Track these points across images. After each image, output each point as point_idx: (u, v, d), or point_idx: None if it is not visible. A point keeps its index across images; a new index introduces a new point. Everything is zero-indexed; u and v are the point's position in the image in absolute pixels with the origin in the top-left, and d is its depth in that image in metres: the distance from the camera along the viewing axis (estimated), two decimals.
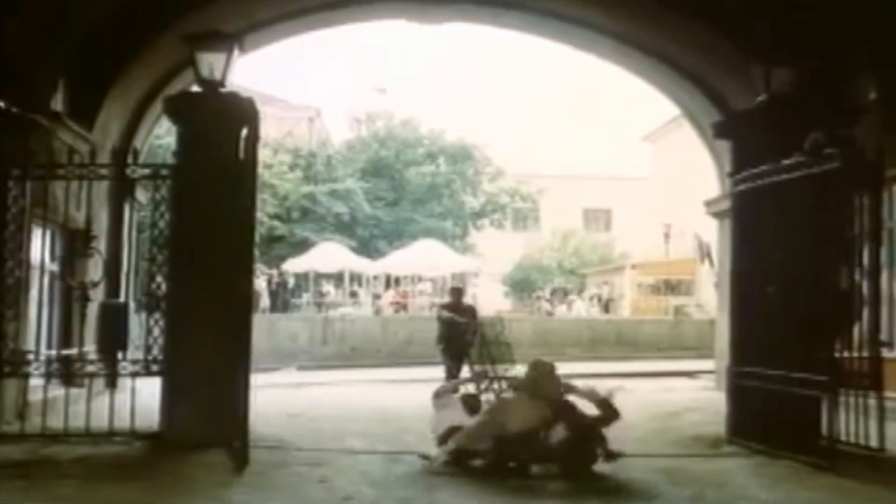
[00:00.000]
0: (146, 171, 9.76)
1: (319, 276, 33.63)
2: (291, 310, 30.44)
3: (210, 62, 9.48)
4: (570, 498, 7.53)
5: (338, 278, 33.91)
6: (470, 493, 7.56)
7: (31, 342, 9.54)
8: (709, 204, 15.10)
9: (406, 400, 12.93)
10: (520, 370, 9.78)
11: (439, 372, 13.79)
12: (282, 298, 30.81)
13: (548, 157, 46.34)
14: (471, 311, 14.25)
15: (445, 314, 14.04)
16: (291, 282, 32.75)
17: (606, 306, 34.59)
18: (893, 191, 11.03)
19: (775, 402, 8.99)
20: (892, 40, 10.33)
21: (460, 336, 13.09)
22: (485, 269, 38.28)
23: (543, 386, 8.30)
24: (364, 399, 14.47)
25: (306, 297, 32.79)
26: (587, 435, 8.09)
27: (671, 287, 35.29)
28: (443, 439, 8.42)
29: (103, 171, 10.26)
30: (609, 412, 8.15)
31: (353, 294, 32.97)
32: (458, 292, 15.25)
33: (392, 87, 43.46)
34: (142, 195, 11.95)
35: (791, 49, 10.10)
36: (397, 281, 34.66)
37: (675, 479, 8.10)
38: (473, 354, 11.43)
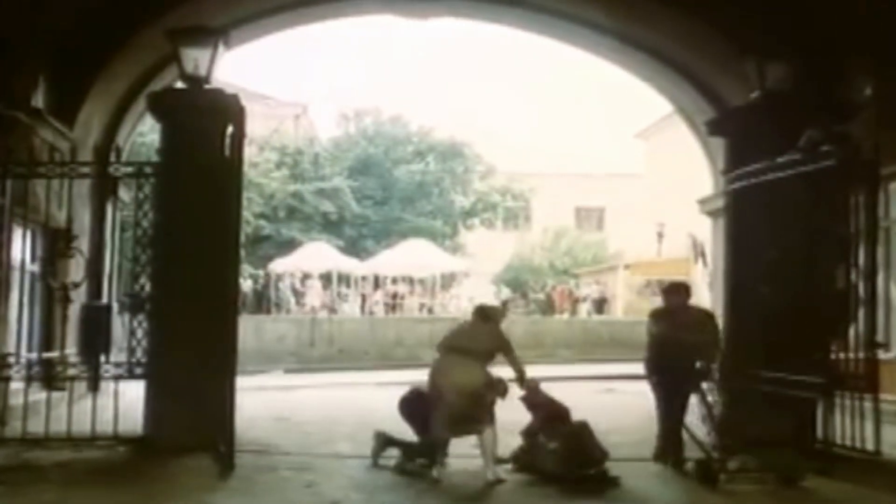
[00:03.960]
0: (129, 170, 9.66)
1: (307, 277, 33.44)
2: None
3: (194, 58, 9.36)
4: (563, 502, 7.41)
5: (325, 278, 33.73)
6: (459, 498, 7.52)
7: (11, 345, 9.41)
8: (702, 202, 15.03)
9: (395, 403, 12.74)
10: None
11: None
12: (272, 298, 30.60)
13: (539, 154, 46.28)
14: (703, 323, 9.14)
15: (656, 328, 9.19)
16: (293, 281, 32.33)
17: (600, 307, 34.51)
18: (890, 189, 10.92)
19: (771, 405, 8.86)
20: (888, 35, 10.23)
21: (684, 363, 8.76)
22: (475, 270, 38.14)
23: None
24: (352, 402, 14.34)
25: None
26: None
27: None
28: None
29: (85, 170, 10.11)
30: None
31: (341, 294, 32.79)
32: (680, 291, 9.43)
33: (380, 84, 43.38)
34: (125, 194, 11.81)
35: (786, 44, 10.02)
36: (390, 281, 34.52)
37: (669, 483, 8.05)
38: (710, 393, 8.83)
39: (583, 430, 8.28)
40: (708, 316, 9.45)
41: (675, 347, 8.71)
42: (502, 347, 8.45)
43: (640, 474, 8.35)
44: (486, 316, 8.80)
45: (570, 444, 8.08)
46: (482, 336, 8.46)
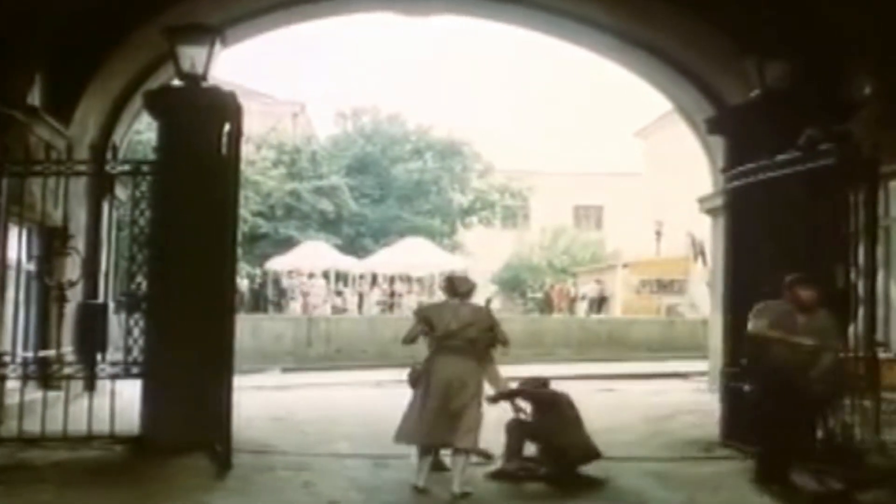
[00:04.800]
0: (126, 168, 9.66)
1: (311, 276, 33.34)
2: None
3: (191, 56, 9.31)
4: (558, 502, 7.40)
5: (323, 277, 33.68)
6: (458, 498, 7.44)
7: (7, 344, 9.37)
8: (702, 201, 14.98)
9: (393, 402, 12.70)
10: None
11: None
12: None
13: (538, 152, 46.33)
14: (832, 328, 7.65)
15: (755, 326, 7.74)
16: (299, 280, 32.11)
17: (599, 306, 34.51)
18: (889, 187, 10.88)
19: None
20: (888, 35, 10.20)
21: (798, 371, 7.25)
22: (473, 268, 38.07)
23: None
24: (350, 401, 14.29)
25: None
26: None
27: (663, 286, 35.22)
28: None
29: (82, 168, 10.06)
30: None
31: (339, 293, 32.74)
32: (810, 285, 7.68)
33: (378, 82, 43.31)
34: (121, 192, 11.78)
35: (786, 43, 9.98)
36: (388, 279, 34.46)
37: (666, 483, 8.09)
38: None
39: (566, 427, 8.23)
40: (832, 324, 7.81)
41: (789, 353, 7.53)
42: (493, 324, 7.76)
43: (638, 472, 8.35)
44: (466, 291, 7.79)
45: (550, 442, 8.07)
46: (469, 316, 7.66)
